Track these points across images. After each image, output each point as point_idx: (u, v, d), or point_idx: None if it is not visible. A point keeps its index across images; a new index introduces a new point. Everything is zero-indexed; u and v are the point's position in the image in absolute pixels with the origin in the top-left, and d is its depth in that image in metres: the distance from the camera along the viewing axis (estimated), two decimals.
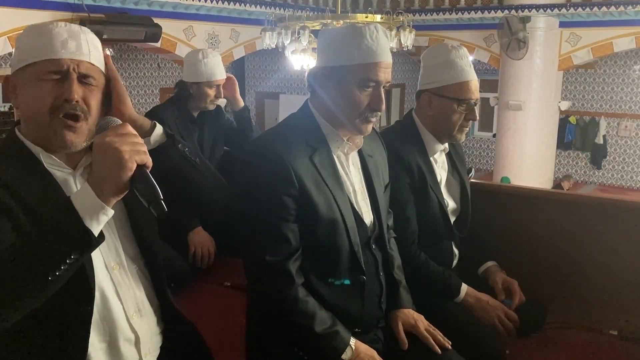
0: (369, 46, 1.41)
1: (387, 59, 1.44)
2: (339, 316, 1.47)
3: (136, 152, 1.05)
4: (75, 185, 1.21)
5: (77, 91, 1.17)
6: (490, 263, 2.03)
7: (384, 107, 1.44)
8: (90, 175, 1.06)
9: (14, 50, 1.23)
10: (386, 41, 1.46)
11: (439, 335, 1.57)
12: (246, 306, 1.61)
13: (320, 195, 1.42)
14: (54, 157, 1.19)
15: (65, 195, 1.13)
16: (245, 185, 1.45)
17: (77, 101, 1.16)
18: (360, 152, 1.57)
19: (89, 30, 1.23)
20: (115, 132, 1.06)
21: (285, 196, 1.39)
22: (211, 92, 2.64)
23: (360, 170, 1.58)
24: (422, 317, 1.61)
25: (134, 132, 1.08)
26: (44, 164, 1.19)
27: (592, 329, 2.02)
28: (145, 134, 1.29)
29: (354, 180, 1.53)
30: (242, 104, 2.78)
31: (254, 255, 1.43)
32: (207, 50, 2.69)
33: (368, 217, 1.56)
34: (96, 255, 1.17)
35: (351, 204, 1.49)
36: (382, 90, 1.44)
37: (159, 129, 1.31)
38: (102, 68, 1.25)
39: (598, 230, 2.18)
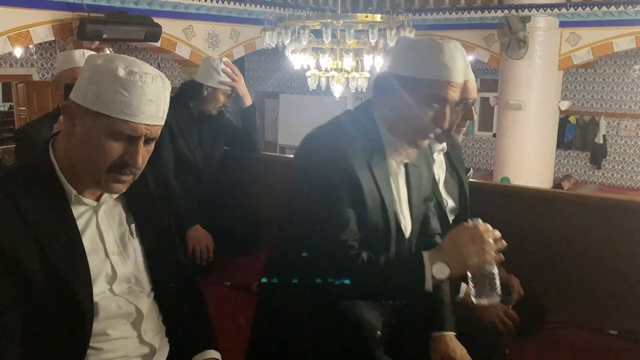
0: (445, 63, 1.36)
1: (459, 78, 1.38)
2: (360, 318, 1.44)
3: None
4: (96, 221, 1.20)
5: (142, 156, 1.15)
6: None
7: (447, 125, 1.41)
8: None
9: (86, 80, 1.13)
10: (464, 60, 1.40)
11: None
12: (256, 308, 1.59)
13: (370, 198, 1.39)
14: (83, 198, 1.18)
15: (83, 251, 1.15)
16: (307, 174, 1.41)
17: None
18: (406, 163, 1.53)
19: (169, 85, 1.18)
20: None
21: (343, 186, 1.35)
22: (223, 99, 2.68)
23: (405, 180, 1.53)
24: (464, 350, 1.53)
25: None
26: (71, 202, 1.17)
27: (592, 329, 2.02)
28: None
29: (400, 189, 1.50)
30: (250, 101, 2.79)
31: (327, 236, 1.35)
32: (227, 60, 2.73)
33: (408, 228, 1.52)
34: (103, 283, 1.19)
35: (395, 213, 1.46)
36: (449, 109, 1.40)
37: None
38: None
39: (598, 230, 2.18)
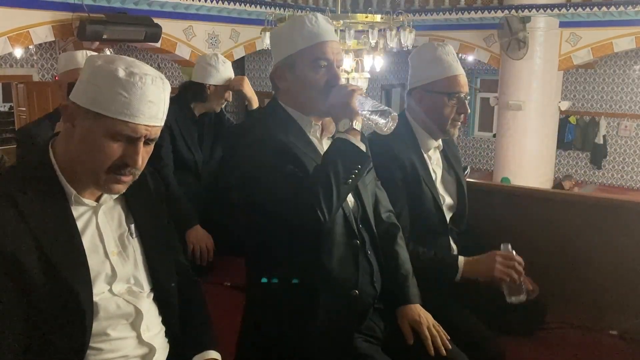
0: (310, 30, 1.48)
1: (331, 38, 1.51)
2: (335, 275, 1.46)
3: None
4: (96, 222, 1.21)
5: (142, 157, 1.16)
6: None
7: (341, 81, 1.49)
8: None
9: (86, 81, 1.13)
10: (327, 24, 1.51)
11: (442, 335, 1.55)
12: (245, 307, 1.61)
13: (310, 166, 1.45)
14: (83, 199, 1.19)
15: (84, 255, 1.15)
16: (253, 164, 1.45)
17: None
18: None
19: (168, 85, 1.18)
20: None
21: (283, 157, 1.42)
22: (226, 94, 2.69)
23: None
24: (429, 315, 1.59)
25: None
26: (71, 202, 1.17)
27: (592, 329, 2.02)
28: None
29: None
30: (257, 103, 2.79)
31: (306, 208, 1.37)
32: (222, 56, 2.75)
33: (350, 199, 1.55)
34: (103, 283, 1.19)
35: None
36: (337, 69, 1.49)
37: None
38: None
39: (598, 230, 2.18)
